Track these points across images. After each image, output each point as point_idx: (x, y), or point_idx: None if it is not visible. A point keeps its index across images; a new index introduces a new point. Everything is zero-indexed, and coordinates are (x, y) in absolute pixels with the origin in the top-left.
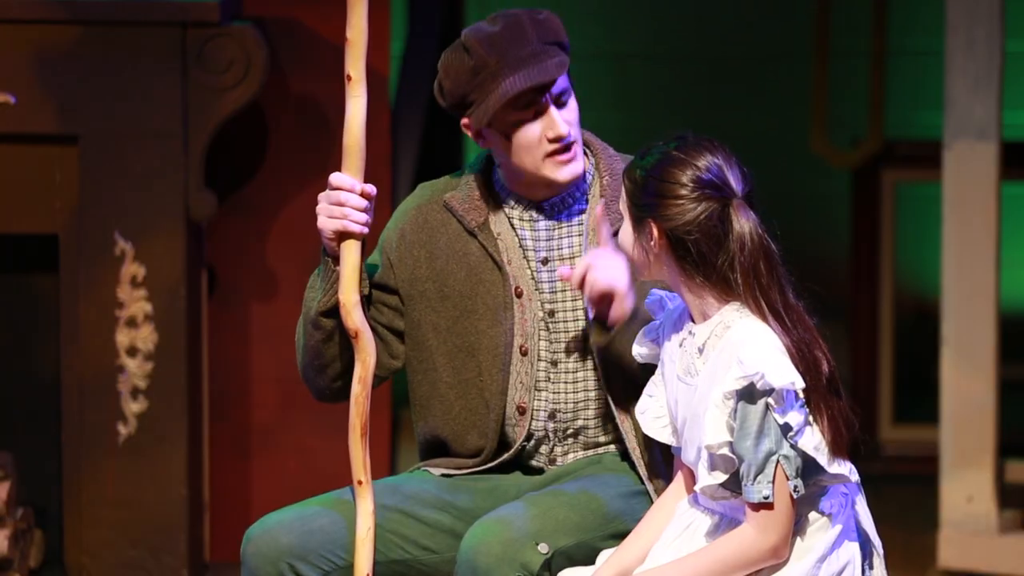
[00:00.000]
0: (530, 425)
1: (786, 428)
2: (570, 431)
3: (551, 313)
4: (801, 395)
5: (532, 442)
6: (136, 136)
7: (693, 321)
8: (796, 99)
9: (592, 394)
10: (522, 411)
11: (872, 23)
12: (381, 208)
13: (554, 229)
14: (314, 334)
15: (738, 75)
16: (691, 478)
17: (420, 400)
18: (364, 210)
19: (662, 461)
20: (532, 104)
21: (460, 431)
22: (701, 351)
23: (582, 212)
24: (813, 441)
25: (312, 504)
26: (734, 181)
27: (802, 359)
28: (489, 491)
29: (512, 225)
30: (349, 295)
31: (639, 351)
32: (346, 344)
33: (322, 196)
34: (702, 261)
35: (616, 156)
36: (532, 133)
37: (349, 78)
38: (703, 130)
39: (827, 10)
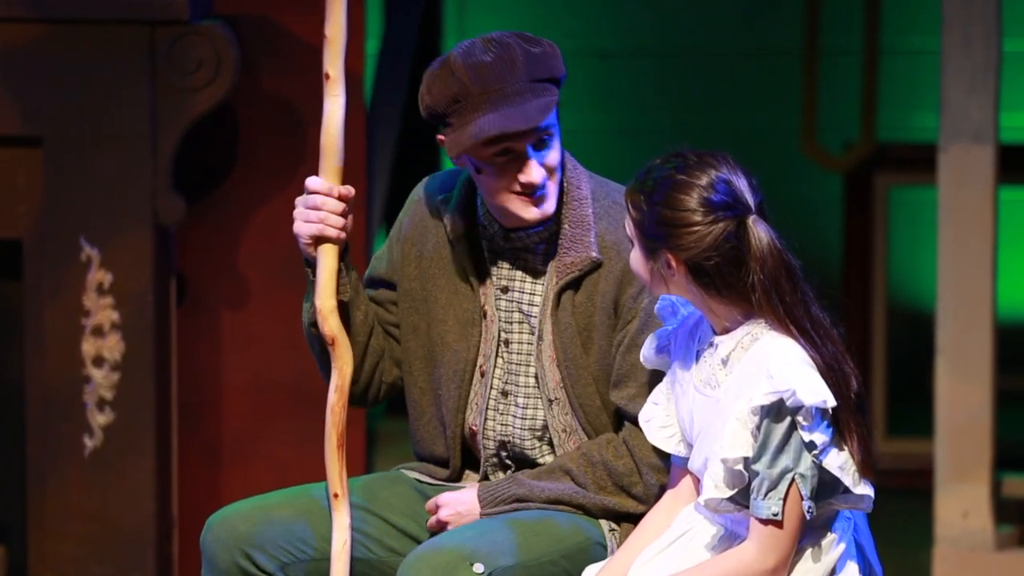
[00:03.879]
0: (484, 451)
1: (811, 446)
2: (524, 461)
3: (506, 343)
4: (829, 413)
5: (490, 467)
6: (103, 138)
7: (714, 331)
8: (786, 100)
9: (538, 431)
10: (472, 434)
11: (865, 21)
12: (356, 211)
13: (516, 260)
14: (315, 344)
15: (725, 74)
16: (695, 487)
17: (408, 404)
18: (342, 214)
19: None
20: (508, 147)
21: (429, 439)
22: (725, 363)
23: (546, 254)
24: (838, 460)
25: (275, 495)
26: (744, 195)
27: (832, 376)
28: None
29: (483, 244)
30: (326, 300)
31: (647, 356)
32: (353, 346)
33: (299, 200)
34: (724, 284)
35: (586, 199)
36: (503, 175)
37: (327, 77)
38: (688, 131)
39: (817, 7)
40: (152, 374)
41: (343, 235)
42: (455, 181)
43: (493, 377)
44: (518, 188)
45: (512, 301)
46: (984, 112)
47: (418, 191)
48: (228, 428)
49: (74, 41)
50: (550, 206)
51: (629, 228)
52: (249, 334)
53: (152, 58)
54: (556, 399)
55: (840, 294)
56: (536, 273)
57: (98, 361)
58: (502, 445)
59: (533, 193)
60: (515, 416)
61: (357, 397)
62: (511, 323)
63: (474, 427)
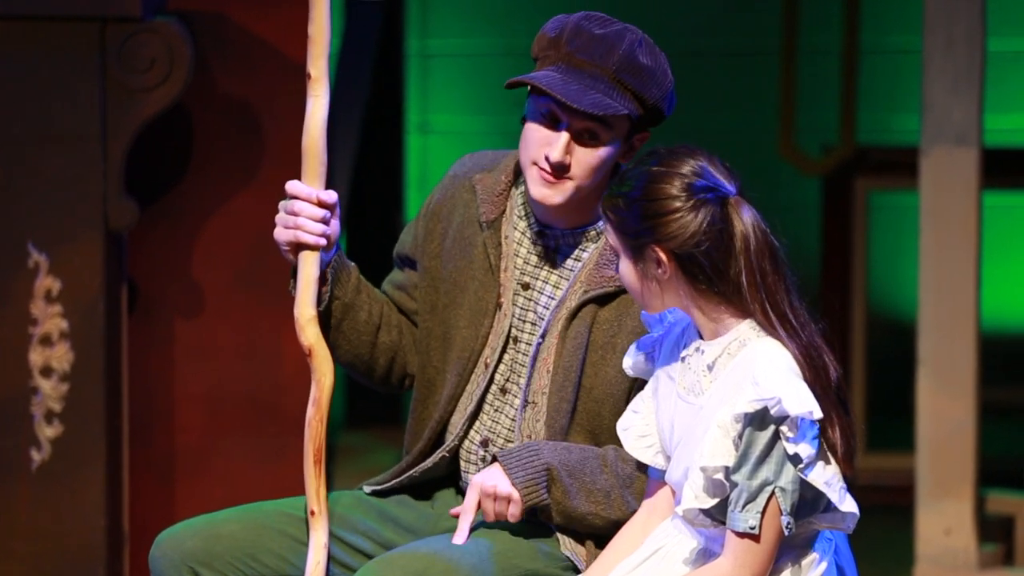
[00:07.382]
0: (462, 443)
1: (796, 459)
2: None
3: (515, 340)
4: (817, 424)
5: (462, 462)
6: (51, 139)
7: (701, 338)
8: (762, 101)
9: (525, 435)
10: (458, 424)
11: (844, 20)
12: None
13: (545, 259)
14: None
15: (700, 74)
16: (671, 500)
17: (415, 385)
18: (322, 220)
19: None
20: (551, 112)
21: (428, 419)
22: (711, 368)
23: (577, 259)
24: (825, 475)
25: (225, 511)
26: (724, 179)
27: (811, 365)
28: (414, 530)
29: (516, 235)
30: (304, 309)
31: (629, 363)
32: (358, 346)
33: (280, 204)
34: (715, 272)
35: None
36: (534, 135)
37: (309, 76)
38: (664, 133)
39: (796, 5)
40: (102, 385)
41: (323, 241)
42: (496, 163)
43: (495, 372)
44: (541, 158)
45: (530, 300)
46: (967, 114)
47: (452, 170)
48: (181, 441)
49: (21, 38)
50: (556, 198)
51: (611, 237)
52: (203, 343)
53: (103, 56)
54: (533, 403)
55: (819, 301)
56: (563, 277)
57: (46, 371)
58: (484, 443)
59: (550, 171)
60: (508, 416)
61: (390, 387)
62: (524, 321)
63: (465, 418)
